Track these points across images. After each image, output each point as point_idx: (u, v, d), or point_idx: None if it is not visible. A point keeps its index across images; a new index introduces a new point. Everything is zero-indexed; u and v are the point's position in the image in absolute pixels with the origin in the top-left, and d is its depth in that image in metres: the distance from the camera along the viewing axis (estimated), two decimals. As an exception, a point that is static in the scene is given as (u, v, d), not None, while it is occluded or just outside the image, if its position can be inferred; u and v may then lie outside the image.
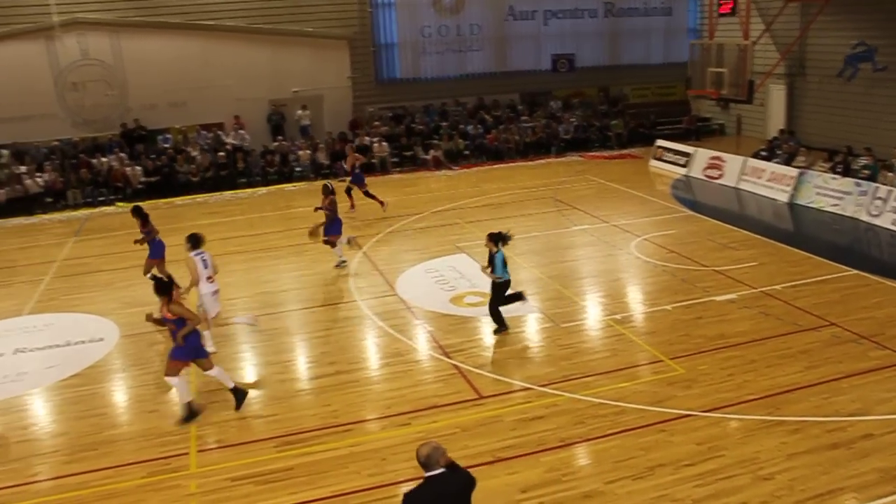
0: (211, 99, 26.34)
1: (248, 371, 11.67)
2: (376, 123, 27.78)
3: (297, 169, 25.75)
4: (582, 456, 8.86)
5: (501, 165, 26.78)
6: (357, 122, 27.91)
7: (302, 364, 11.86)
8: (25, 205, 23.65)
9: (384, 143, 26.56)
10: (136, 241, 14.76)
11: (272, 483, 8.57)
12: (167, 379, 10.08)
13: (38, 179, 24.10)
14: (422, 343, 12.23)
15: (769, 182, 21.22)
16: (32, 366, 12.31)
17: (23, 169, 24.33)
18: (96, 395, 11.17)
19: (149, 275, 13.97)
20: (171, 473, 8.92)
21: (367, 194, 20.42)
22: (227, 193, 24.30)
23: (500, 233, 11.95)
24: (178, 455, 9.29)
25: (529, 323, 12.79)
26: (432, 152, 26.50)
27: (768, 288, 13.74)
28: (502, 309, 12.18)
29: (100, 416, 10.49)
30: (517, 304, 12.28)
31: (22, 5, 24.76)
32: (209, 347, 11.39)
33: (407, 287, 14.70)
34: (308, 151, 26.05)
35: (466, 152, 27.37)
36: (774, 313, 12.62)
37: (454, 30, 29.15)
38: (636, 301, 13.84)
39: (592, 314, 13.24)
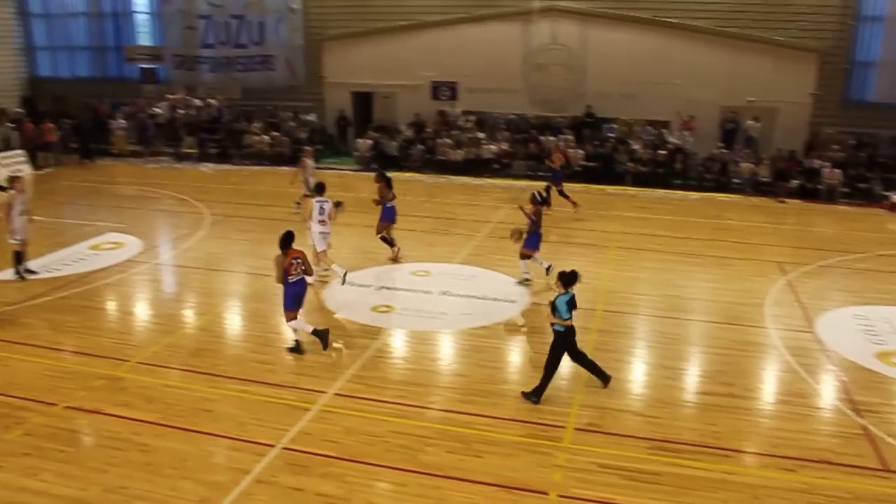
0: (661, 96, 26.35)
1: (637, 368, 11.64)
2: (834, 147, 25.50)
3: (736, 180, 24.77)
4: None
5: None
6: (812, 143, 25.89)
7: (693, 375, 11.50)
8: (476, 167, 26.28)
9: (836, 170, 24.34)
10: (374, 202, 16.40)
11: (637, 482, 8.48)
12: (288, 324, 11.76)
13: (492, 147, 26.55)
14: (829, 391, 11.08)
15: None
16: (452, 309, 13.70)
17: (481, 135, 27.06)
18: (497, 350, 12.07)
19: (380, 235, 16.44)
20: (545, 440, 9.30)
21: (562, 194, 20.90)
22: (659, 191, 24.30)
23: (573, 272, 10.22)
24: (555, 426, 9.63)
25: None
26: (893, 196, 23.43)
27: None
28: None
29: (496, 368, 11.31)
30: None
31: (509, -9, 27.40)
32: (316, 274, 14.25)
33: (828, 328, 13.33)
34: (751, 164, 24.89)
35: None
36: None
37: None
38: None
39: None
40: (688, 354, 12.25)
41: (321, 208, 14.76)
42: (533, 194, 15.39)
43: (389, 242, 16.55)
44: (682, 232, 19.56)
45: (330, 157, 29.16)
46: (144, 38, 33.46)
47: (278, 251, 11.35)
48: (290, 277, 11.35)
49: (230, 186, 24.51)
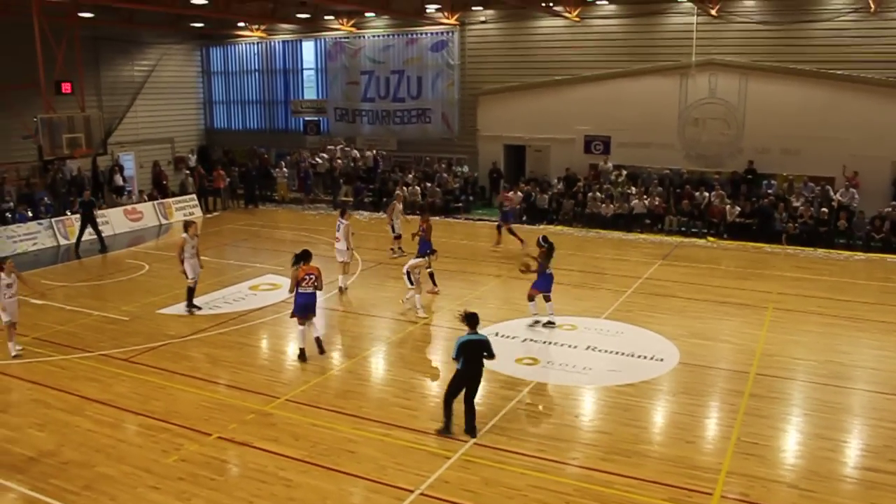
0: (825, 151, 25.05)
1: (792, 437, 10.96)
2: None
3: (908, 241, 23.17)
4: None
5: None
6: None
7: (855, 449, 10.67)
8: (627, 222, 25.88)
9: None
10: (416, 235, 18.23)
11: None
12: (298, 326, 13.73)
13: (644, 201, 26.09)
14: None
15: None
16: (598, 365, 13.46)
17: (633, 190, 26.68)
18: (643, 409, 11.72)
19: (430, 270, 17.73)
20: (690, 507, 8.90)
21: (511, 231, 22.90)
22: (821, 251, 23.04)
23: (473, 314, 10.74)
24: (701, 492, 9.19)
25: None
26: None
27: None
28: None
29: (641, 428, 10.96)
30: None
31: (666, 46, 27.20)
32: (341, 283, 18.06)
33: None
34: (925, 225, 23.21)
35: None
36: None
37: None
38: None
39: None
40: (850, 426, 11.42)
41: (337, 226, 18.03)
42: (538, 239, 15.85)
43: (433, 280, 17.94)
44: (846, 294, 18.40)
45: (480, 209, 29.62)
46: (310, 92, 35.47)
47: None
48: (300, 288, 13.42)
49: (383, 234, 25.23)
